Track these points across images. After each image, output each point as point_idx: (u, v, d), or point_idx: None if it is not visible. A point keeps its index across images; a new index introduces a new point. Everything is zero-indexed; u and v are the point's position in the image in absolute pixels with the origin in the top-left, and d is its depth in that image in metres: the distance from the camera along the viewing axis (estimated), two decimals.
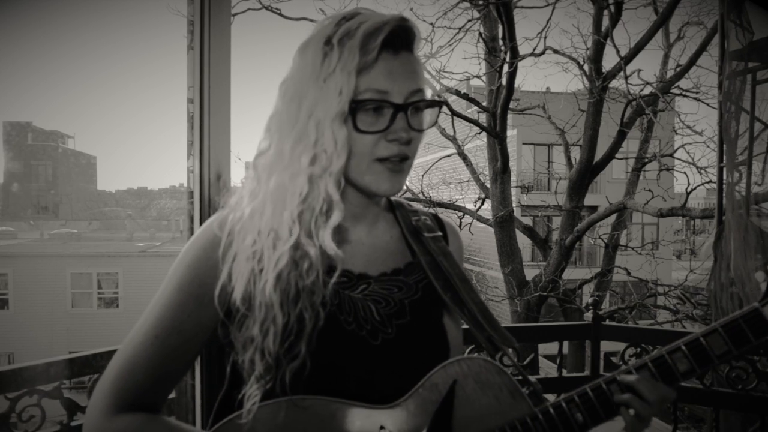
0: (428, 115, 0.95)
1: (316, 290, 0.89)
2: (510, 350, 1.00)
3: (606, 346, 2.47)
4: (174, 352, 0.91)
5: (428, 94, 0.96)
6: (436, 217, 1.11)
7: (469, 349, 2.04)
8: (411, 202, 1.11)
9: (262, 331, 0.86)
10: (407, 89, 0.90)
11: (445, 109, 7.97)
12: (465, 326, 1.04)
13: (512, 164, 9.50)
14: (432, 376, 0.90)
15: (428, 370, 0.90)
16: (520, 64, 7.73)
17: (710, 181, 8.30)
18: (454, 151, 9.27)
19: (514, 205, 8.92)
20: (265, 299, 0.87)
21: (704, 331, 0.94)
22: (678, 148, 9.78)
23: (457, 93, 8.36)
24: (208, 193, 1.71)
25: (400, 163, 0.92)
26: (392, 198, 1.07)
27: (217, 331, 0.94)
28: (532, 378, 0.99)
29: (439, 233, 1.06)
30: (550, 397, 0.97)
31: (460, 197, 10.78)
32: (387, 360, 0.92)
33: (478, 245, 15.34)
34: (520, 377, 0.97)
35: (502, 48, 7.77)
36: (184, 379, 1.66)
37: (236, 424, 0.87)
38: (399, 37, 0.90)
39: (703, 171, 8.83)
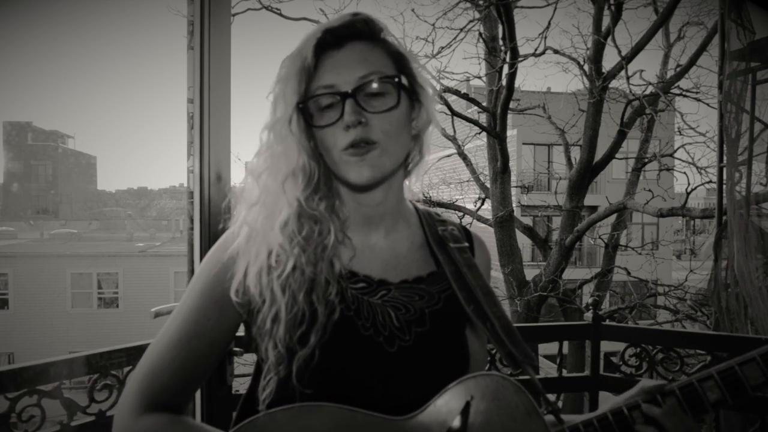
0: (397, 95, 0.93)
1: (330, 283, 0.91)
2: (530, 368, 0.97)
3: (606, 346, 2.47)
4: (197, 354, 0.94)
5: (419, 83, 0.97)
6: (464, 229, 1.10)
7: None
8: (439, 212, 1.11)
9: (274, 321, 0.89)
10: (354, 76, 0.91)
11: (444, 108, 7.97)
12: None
13: (512, 164, 9.49)
14: (448, 390, 0.89)
15: (444, 381, 0.89)
16: (521, 65, 7.73)
17: (710, 181, 8.29)
18: (454, 151, 9.25)
19: (514, 205, 8.91)
20: (267, 292, 0.91)
21: (740, 360, 0.87)
22: (678, 148, 9.77)
23: (457, 93, 8.36)
24: (208, 193, 1.71)
25: (366, 146, 0.91)
26: (420, 206, 1.08)
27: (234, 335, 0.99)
28: (551, 397, 0.97)
29: (466, 244, 1.04)
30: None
31: (460, 197, 10.76)
32: (402, 368, 0.91)
33: None
34: (535, 392, 0.95)
35: (502, 48, 7.77)
36: None
37: (256, 425, 0.87)
38: (342, 33, 0.93)
39: (703, 171, 8.83)
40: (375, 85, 0.91)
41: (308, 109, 0.92)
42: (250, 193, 0.96)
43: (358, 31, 0.94)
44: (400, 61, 0.96)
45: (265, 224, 0.93)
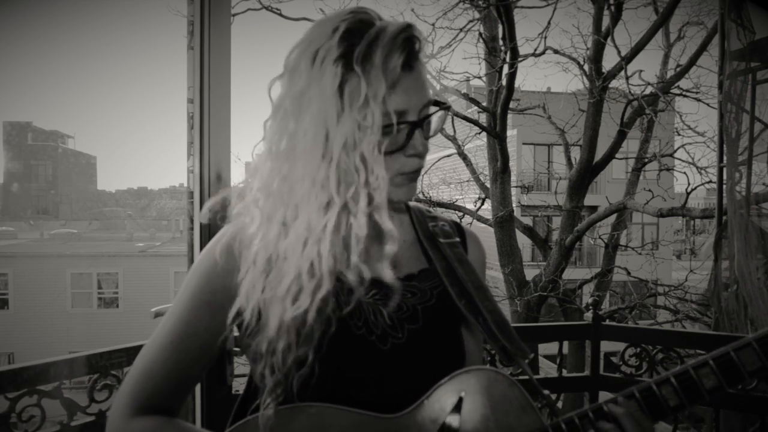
0: (435, 119, 0.94)
1: (329, 304, 0.88)
2: (524, 361, 0.97)
3: (606, 346, 2.47)
4: (189, 356, 0.93)
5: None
6: (456, 225, 1.09)
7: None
8: (431, 209, 1.10)
9: (269, 351, 0.87)
10: (421, 104, 0.89)
11: None
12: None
13: (512, 164, 9.49)
14: (441, 386, 0.88)
15: (439, 377, 0.89)
16: (521, 65, 7.73)
17: (710, 181, 8.29)
18: (454, 151, 9.26)
19: (514, 205, 8.91)
20: (264, 316, 0.86)
21: (736, 345, 0.86)
22: (678, 148, 9.78)
23: (457, 93, 8.35)
24: (208, 193, 1.71)
25: (419, 171, 0.93)
26: (411, 203, 1.07)
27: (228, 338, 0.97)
28: (546, 391, 0.96)
29: (457, 239, 1.04)
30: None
31: (460, 197, 10.77)
32: (395, 365, 0.91)
33: None
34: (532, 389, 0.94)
35: (502, 48, 7.77)
36: None
37: (248, 428, 0.87)
38: (411, 50, 0.87)
39: (703, 171, 8.83)
40: (436, 117, 0.92)
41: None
42: (284, 208, 0.87)
43: (419, 49, 0.89)
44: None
45: (295, 252, 0.85)
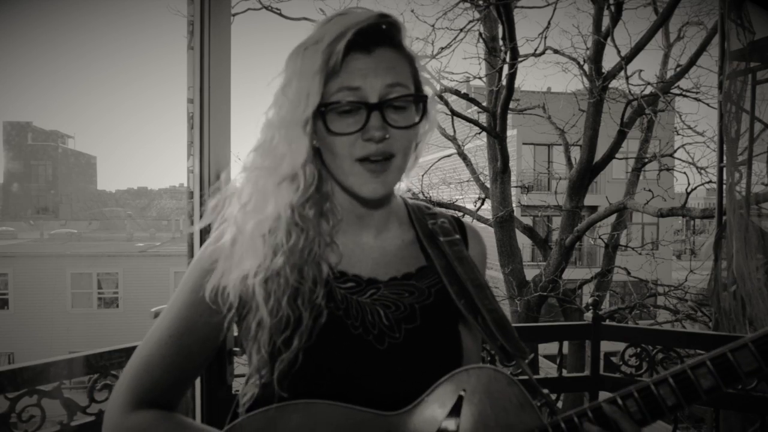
0: (414, 110, 0.92)
1: (316, 288, 0.90)
2: (524, 361, 0.97)
3: (606, 346, 2.47)
4: (188, 351, 0.94)
5: (426, 90, 0.95)
6: (457, 221, 1.08)
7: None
8: (431, 205, 1.09)
9: (258, 326, 0.89)
10: (381, 84, 0.88)
11: (444, 108, 7.96)
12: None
13: (512, 164, 9.48)
14: (440, 385, 0.88)
15: (437, 376, 0.89)
16: (521, 65, 7.73)
17: (710, 181, 8.29)
18: (454, 151, 9.26)
19: (514, 205, 8.91)
20: (251, 298, 0.90)
21: (732, 346, 0.87)
22: (678, 148, 9.77)
23: (457, 93, 8.36)
24: (208, 193, 1.71)
25: (383, 162, 0.89)
26: (410, 201, 1.06)
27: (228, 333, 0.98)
28: (545, 390, 0.97)
29: (457, 237, 1.03)
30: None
31: (460, 197, 10.76)
32: (392, 364, 0.91)
33: None
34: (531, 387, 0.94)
35: (502, 48, 7.77)
36: None
37: (247, 425, 0.88)
38: (372, 36, 0.88)
39: (703, 171, 8.83)
40: (401, 101, 0.89)
41: (324, 110, 0.88)
42: (242, 191, 0.94)
43: (387, 36, 0.90)
44: (415, 71, 0.94)
45: (253, 230, 0.90)
